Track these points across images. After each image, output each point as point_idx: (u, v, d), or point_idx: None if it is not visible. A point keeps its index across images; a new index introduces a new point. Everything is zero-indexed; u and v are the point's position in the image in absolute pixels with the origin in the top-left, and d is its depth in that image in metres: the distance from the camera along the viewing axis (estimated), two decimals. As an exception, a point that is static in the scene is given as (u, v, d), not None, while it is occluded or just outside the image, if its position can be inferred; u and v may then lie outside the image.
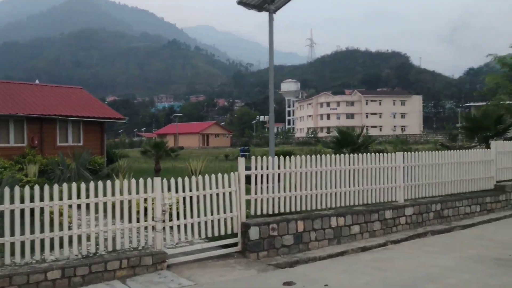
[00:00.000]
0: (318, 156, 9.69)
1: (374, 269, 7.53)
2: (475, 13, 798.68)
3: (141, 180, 7.55)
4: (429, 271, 7.31)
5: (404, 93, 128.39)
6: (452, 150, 12.46)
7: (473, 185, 12.67)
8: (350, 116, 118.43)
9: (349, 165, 10.06)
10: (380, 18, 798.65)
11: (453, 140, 62.06)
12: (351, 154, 10.26)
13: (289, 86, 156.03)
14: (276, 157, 9.19)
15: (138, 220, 7.47)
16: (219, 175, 8.33)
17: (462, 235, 10.25)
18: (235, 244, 8.41)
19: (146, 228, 7.59)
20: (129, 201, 7.40)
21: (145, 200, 7.62)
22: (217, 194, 8.29)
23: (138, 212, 7.46)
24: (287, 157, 9.28)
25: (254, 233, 8.26)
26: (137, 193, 7.49)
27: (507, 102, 15.45)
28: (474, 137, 17.43)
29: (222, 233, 8.30)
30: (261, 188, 8.85)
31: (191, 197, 8.04)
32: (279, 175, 9.10)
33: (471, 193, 12.42)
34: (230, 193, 8.44)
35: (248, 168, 8.77)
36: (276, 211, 8.96)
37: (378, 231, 10.04)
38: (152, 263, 7.24)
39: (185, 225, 7.93)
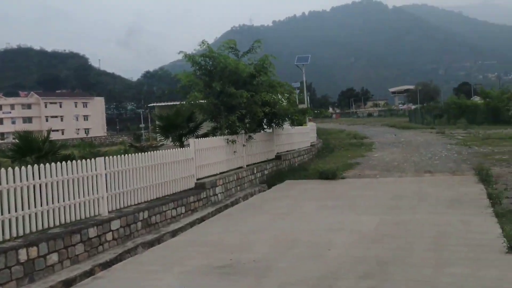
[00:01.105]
0: (-5, 170, 7.21)
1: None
2: (148, 19, 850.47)
3: None
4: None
5: (86, 95, 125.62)
6: (152, 151, 11.57)
7: (177, 185, 12.17)
8: (28, 120, 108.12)
9: (39, 179, 7.94)
10: (55, 17, 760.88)
11: (138, 140, 63.71)
12: (41, 165, 8.13)
13: None
14: None
15: None
16: None
17: (175, 243, 9.40)
18: None
19: None
20: None
21: None
22: None
23: None
24: None
25: None
26: None
27: (201, 101, 15.64)
28: (168, 136, 17.20)
29: None
30: None
31: None
32: None
33: (175, 195, 11.86)
34: None
35: None
36: None
37: (81, 255, 8.23)
38: None
39: None
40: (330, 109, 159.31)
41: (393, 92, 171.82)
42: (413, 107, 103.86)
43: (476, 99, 65.13)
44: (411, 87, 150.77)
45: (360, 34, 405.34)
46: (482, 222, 9.31)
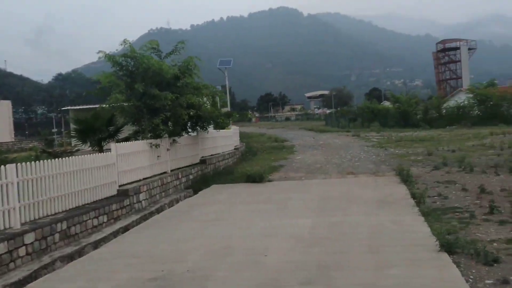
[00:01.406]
0: None
1: None
2: (59, 19, 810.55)
3: None
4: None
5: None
6: (70, 157, 10.68)
7: (97, 193, 11.36)
8: None
9: None
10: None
11: (50, 145, 60.15)
12: None
13: None
14: None
15: None
16: None
17: (99, 255, 8.64)
18: None
19: None
20: None
21: None
22: None
23: None
24: None
25: None
26: None
27: (122, 103, 14.75)
28: (86, 140, 16.11)
29: None
30: None
31: None
32: None
33: (96, 203, 11.06)
34: None
35: None
36: None
37: (-11, 274, 7.30)
38: None
39: None
40: (250, 113, 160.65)
41: (309, 97, 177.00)
42: (328, 111, 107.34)
43: (387, 103, 68.41)
44: (326, 92, 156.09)
45: (277, 40, 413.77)
46: (412, 221, 9.47)
